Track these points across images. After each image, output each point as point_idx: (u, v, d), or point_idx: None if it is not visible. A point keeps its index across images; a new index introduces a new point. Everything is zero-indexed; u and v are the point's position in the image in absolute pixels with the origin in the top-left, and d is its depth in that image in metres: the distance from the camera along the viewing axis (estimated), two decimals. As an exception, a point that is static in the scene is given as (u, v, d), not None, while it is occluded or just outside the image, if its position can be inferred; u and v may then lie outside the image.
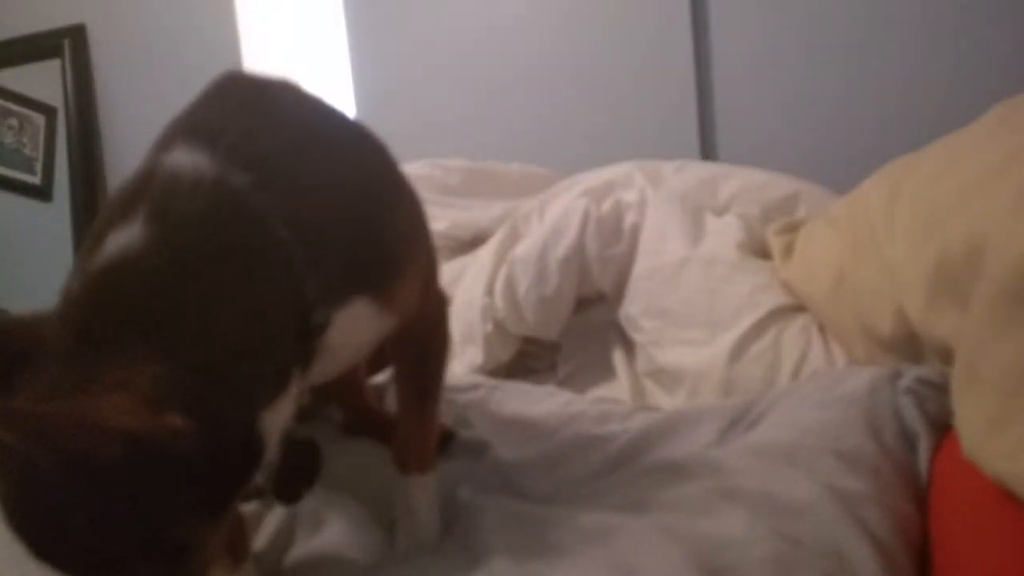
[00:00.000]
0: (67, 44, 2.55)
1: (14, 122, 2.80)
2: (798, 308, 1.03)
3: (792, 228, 1.11)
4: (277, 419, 0.52)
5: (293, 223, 0.52)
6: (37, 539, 0.45)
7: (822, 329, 1.00)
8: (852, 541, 0.56)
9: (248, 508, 0.79)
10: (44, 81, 2.65)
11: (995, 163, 0.66)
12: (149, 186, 0.52)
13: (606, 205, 1.19)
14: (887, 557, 0.56)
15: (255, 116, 0.58)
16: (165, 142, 0.56)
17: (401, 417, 0.74)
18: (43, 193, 2.74)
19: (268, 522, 0.80)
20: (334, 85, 2.17)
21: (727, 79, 1.79)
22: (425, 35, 2.08)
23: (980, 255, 0.60)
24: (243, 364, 0.49)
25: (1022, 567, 0.51)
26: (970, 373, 0.57)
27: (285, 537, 0.78)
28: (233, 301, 0.50)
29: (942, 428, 0.71)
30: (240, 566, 0.68)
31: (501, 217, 1.41)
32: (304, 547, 0.76)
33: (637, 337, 1.13)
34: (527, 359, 1.31)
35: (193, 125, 0.56)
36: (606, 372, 1.21)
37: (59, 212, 2.64)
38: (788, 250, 1.06)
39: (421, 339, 0.72)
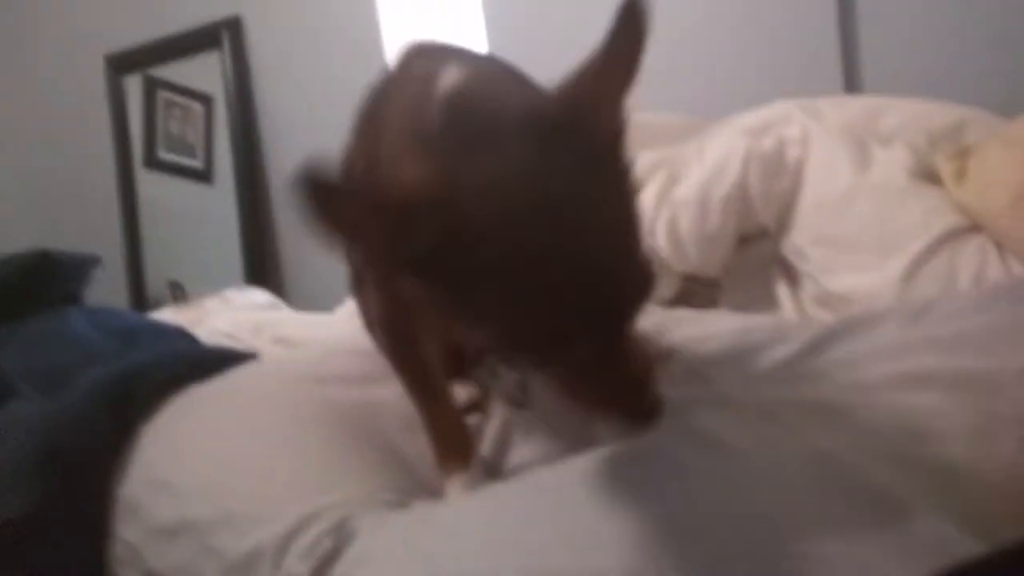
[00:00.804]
0: (225, 35, 2.78)
1: (178, 112, 3.07)
2: (973, 228, 1.04)
3: (963, 153, 1.11)
4: None
5: None
6: None
7: (1000, 248, 1.01)
8: None
9: (470, 420, 0.91)
10: (204, 72, 2.89)
11: None
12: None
13: (767, 142, 1.23)
14: None
15: None
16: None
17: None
18: (205, 176, 3.01)
19: (487, 432, 0.91)
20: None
21: (870, 9, 1.74)
22: (560, 20, 2.12)
23: None
24: None
25: None
26: None
27: (504, 441, 0.89)
28: None
29: None
30: (470, 467, 0.80)
31: (653, 166, 1.47)
32: (520, 450, 0.88)
33: (804, 267, 1.18)
34: (688, 296, 1.37)
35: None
36: (769, 305, 1.26)
37: (222, 193, 2.90)
38: (961, 173, 1.08)
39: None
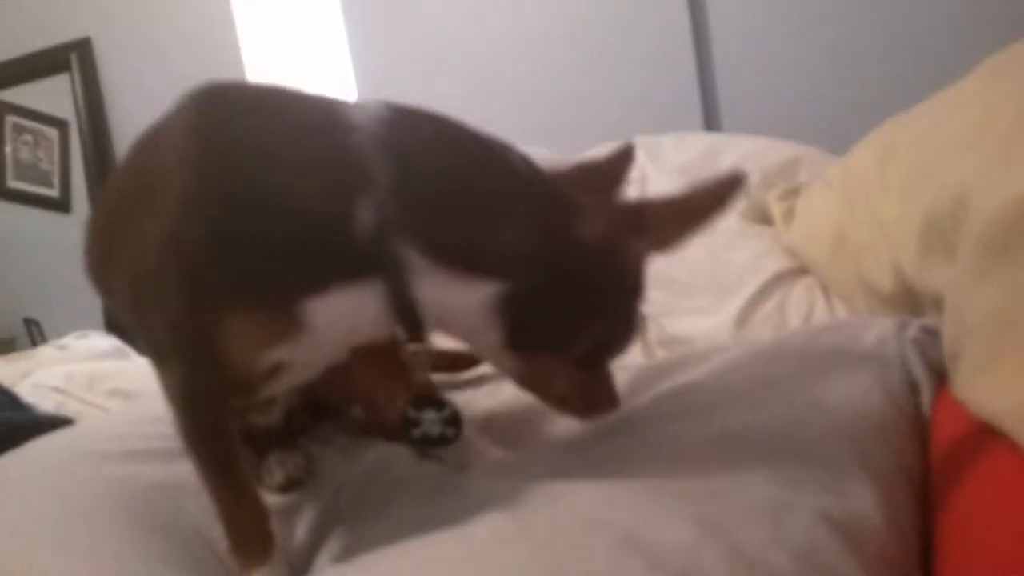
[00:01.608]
0: (74, 58, 2.61)
1: (29, 138, 2.86)
2: (801, 271, 1.05)
3: (792, 193, 1.13)
4: None
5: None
6: None
7: (825, 290, 1.03)
8: (853, 479, 0.58)
9: (289, 497, 0.83)
10: (55, 96, 2.71)
11: (979, 118, 0.69)
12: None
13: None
14: (888, 494, 0.58)
15: None
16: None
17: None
18: (62, 205, 2.81)
19: (303, 519, 0.83)
20: (336, 85, 2.20)
21: (727, 52, 1.80)
22: (422, 25, 2.10)
23: (964, 207, 0.63)
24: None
25: (1015, 503, 0.54)
26: (957, 320, 0.60)
27: (322, 531, 0.82)
28: None
29: (943, 374, 0.73)
30: (270, 562, 0.71)
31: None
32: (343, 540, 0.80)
33: (646, 310, 1.16)
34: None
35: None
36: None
37: (79, 223, 2.70)
38: (789, 215, 1.09)
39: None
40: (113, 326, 2.48)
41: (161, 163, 0.62)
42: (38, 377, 1.51)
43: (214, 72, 2.34)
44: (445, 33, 2.08)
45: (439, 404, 0.76)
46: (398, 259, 0.58)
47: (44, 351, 1.80)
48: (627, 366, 0.96)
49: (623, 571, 0.48)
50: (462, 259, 0.59)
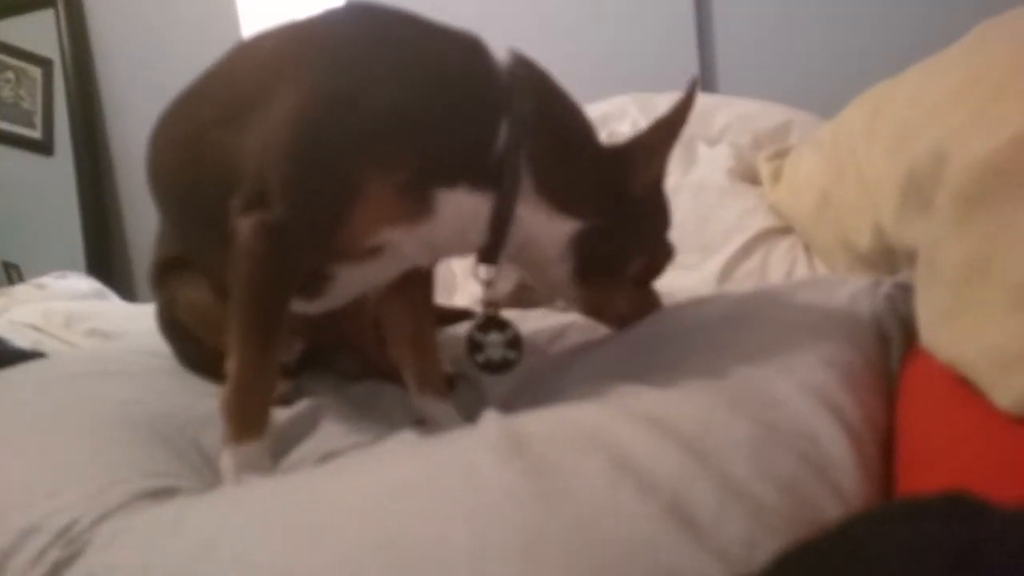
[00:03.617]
0: (60, -7, 2.54)
1: (10, 75, 2.79)
2: (785, 230, 1.07)
3: (781, 154, 1.15)
4: None
5: None
6: None
7: (807, 249, 1.05)
8: (825, 427, 0.61)
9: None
10: (39, 32, 2.64)
11: (964, 78, 0.70)
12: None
13: (601, 137, 1.22)
14: (857, 442, 0.61)
15: None
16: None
17: (420, 348, 0.82)
18: (44, 147, 2.75)
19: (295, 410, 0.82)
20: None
21: (727, 16, 1.78)
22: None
23: (943, 162, 0.65)
24: None
25: (977, 449, 0.57)
26: (929, 270, 0.62)
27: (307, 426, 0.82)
28: None
29: (914, 329, 0.76)
30: (259, 439, 0.70)
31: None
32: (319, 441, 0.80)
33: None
34: (528, 290, 1.36)
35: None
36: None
37: (61, 165, 2.66)
38: (776, 175, 1.11)
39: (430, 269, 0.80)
40: (97, 270, 2.47)
41: (342, 54, 0.70)
42: (15, 314, 1.50)
43: (206, 14, 2.29)
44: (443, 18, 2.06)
45: (502, 326, 0.81)
46: (516, 179, 0.68)
47: (21, 289, 1.78)
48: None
49: (615, 493, 0.49)
50: (560, 196, 0.71)
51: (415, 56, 0.69)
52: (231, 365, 0.70)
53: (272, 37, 0.76)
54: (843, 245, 0.94)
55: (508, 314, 1.04)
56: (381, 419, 0.81)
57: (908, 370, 0.74)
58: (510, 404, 0.83)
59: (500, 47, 0.72)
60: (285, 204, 0.67)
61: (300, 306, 0.78)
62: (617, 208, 0.74)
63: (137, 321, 1.48)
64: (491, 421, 0.59)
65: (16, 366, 1.04)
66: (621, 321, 0.82)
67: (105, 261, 2.51)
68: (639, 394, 0.66)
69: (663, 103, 1.37)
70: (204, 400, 0.79)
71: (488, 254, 0.74)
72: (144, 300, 1.80)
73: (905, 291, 0.79)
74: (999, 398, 0.50)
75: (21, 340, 1.35)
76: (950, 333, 0.58)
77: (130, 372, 0.89)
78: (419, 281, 0.82)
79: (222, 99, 0.76)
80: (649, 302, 0.83)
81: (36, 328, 1.40)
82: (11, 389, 0.88)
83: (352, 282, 0.76)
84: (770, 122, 1.28)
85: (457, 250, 0.77)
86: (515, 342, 0.81)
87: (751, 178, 1.16)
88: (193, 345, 0.86)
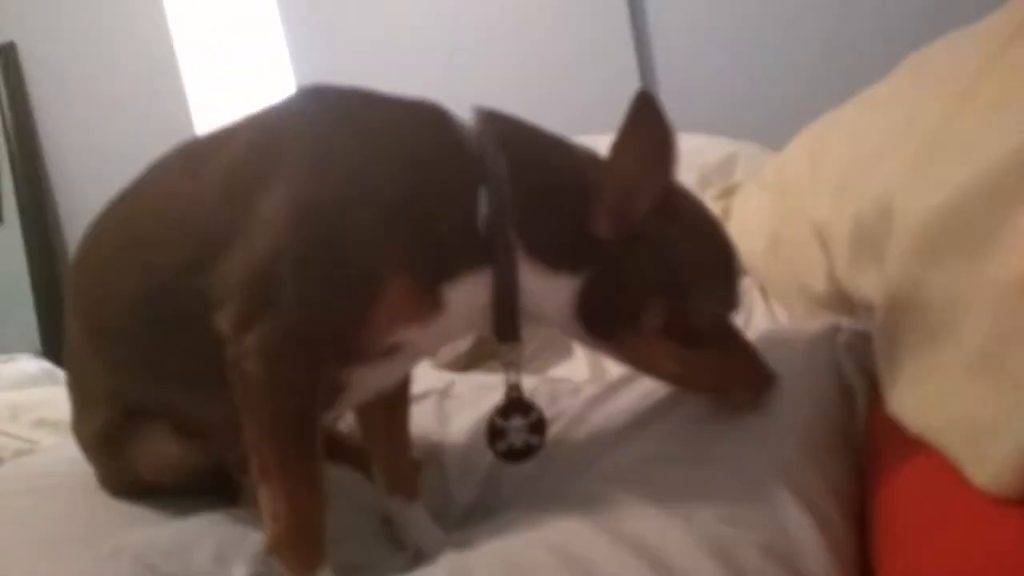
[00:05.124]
0: (-2, 63, 2.49)
1: (-48, 145, 2.72)
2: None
3: (729, 192, 1.12)
4: None
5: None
6: None
7: (764, 291, 1.02)
8: (788, 507, 0.58)
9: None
10: (-22, 102, 2.58)
11: (901, 123, 0.68)
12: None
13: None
14: (824, 524, 0.58)
15: None
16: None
17: (393, 445, 0.77)
18: (-9, 217, 2.68)
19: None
20: (274, 83, 2.14)
21: (666, 50, 1.78)
22: (360, 18, 2.05)
23: (889, 214, 0.62)
24: None
25: (954, 513, 0.54)
26: (887, 332, 0.59)
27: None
28: None
29: (877, 378, 0.73)
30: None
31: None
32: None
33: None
34: (488, 344, 1.32)
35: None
36: (564, 351, 1.23)
37: (10, 233, 2.58)
38: (726, 214, 1.08)
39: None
40: (52, 345, 2.37)
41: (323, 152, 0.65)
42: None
43: (146, 75, 2.23)
44: (384, 32, 2.04)
45: (526, 409, 0.75)
46: (509, 249, 0.63)
47: (-35, 378, 1.69)
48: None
49: None
50: (549, 254, 0.65)
51: (388, 142, 0.65)
52: (277, 507, 0.62)
53: (228, 144, 0.69)
54: (798, 287, 0.91)
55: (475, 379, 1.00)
56: (345, 515, 0.75)
57: (876, 425, 0.71)
58: (474, 511, 0.80)
59: (462, 108, 0.67)
60: (301, 308, 0.62)
61: None
62: (605, 252, 0.64)
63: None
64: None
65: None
66: (710, 389, 0.71)
67: (61, 334, 2.43)
68: (590, 500, 0.63)
69: (605, 144, 1.34)
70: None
71: (504, 331, 0.67)
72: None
73: (865, 340, 0.75)
74: (974, 476, 0.47)
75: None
76: (914, 402, 0.54)
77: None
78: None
79: (180, 222, 0.68)
80: (737, 365, 0.69)
81: (-21, 422, 1.33)
82: None
83: (365, 387, 0.70)
84: (714, 156, 1.26)
85: (469, 333, 0.72)
86: (539, 426, 0.74)
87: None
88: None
